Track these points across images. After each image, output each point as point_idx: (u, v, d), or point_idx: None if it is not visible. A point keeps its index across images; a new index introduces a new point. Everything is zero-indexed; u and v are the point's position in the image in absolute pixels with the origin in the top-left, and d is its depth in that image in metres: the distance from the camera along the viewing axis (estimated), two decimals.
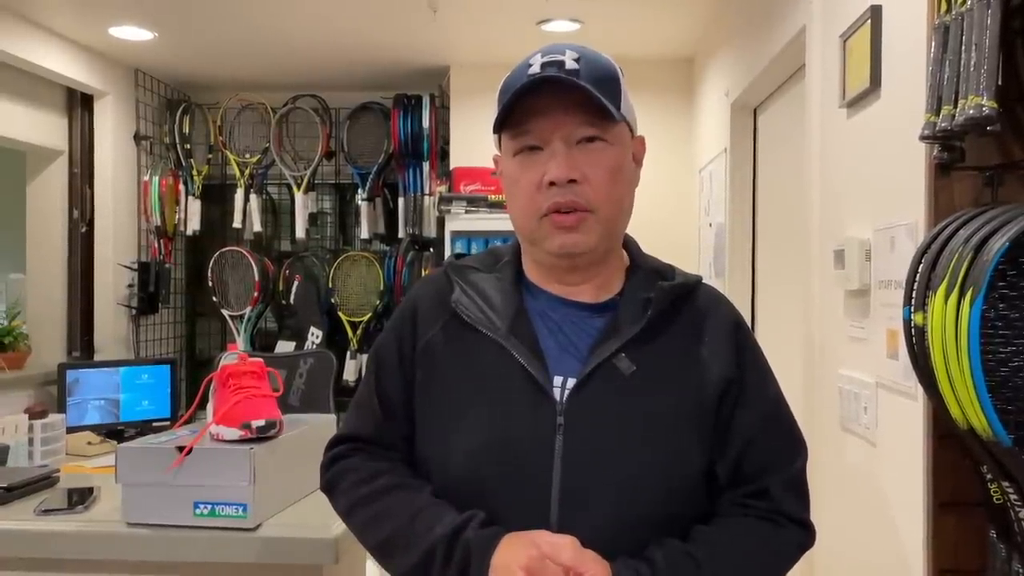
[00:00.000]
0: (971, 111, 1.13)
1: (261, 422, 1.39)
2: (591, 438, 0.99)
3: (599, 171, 1.00)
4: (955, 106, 1.18)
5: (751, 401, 1.06)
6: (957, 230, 1.16)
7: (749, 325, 1.14)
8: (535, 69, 1.00)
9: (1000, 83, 1.14)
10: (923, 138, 1.27)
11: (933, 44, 1.27)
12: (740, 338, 1.08)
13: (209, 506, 1.36)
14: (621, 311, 1.05)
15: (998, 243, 1.07)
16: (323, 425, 1.64)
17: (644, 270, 1.10)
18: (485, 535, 0.96)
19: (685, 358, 1.04)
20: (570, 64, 0.99)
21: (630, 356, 1.01)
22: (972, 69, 1.15)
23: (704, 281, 1.13)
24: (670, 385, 1.02)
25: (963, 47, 1.18)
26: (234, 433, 1.38)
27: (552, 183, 0.99)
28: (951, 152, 1.27)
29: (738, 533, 1.02)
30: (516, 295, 1.07)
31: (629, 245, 1.14)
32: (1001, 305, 1.11)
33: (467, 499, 1.00)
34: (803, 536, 1.07)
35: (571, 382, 1.01)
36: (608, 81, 1.01)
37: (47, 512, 1.46)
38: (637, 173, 1.09)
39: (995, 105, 1.12)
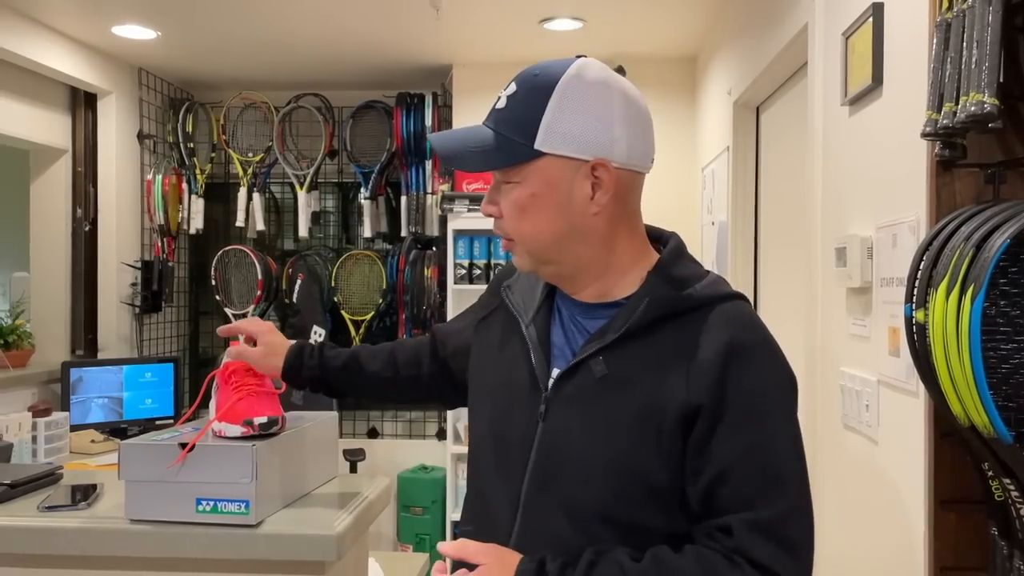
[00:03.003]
0: (973, 108, 1.13)
1: (263, 419, 1.39)
2: (561, 429, 1.06)
3: (507, 208, 1.08)
4: (957, 103, 1.18)
5: (729, 433, 0.99)
6: (959, 227, 1.17)
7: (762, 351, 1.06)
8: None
9: (1001, 80, 1.14)
10: (925, 135, 1.27)
11: (935, 41, 1.27)
12: (731, 364, 1.00)
13: (211, 503, 1.36)
14: (616, 315, 1.06)
15: (999, 240, 1.07)
16: (325, 422, 1.64)
17: (663, 278, 1.07)
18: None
19: (657, 372, 1.02)
20: (500, 103, 1.07)
21: (606, 360, 1.04)
22: (974, 66, 1.15)
23: (736, 302, 1.07)
24: (632, 395, 1.02)
25: (965, 44, 1.18)
26: (236, 430, 1.38)
27: None
28: (953, 149, 1.27)
29: (686, 560, 0.98)
30: (548, 288, 1.15)
31: (666, 248, 1.12)
32: (1002, 302, 1.11)
33: (476, 469, 1.17)
34: None
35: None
36: (525, 120, 1.03)
37: (50, 509, 1.46)
38: (598, 197, 1.04)
39: (996, 102, 1.12)
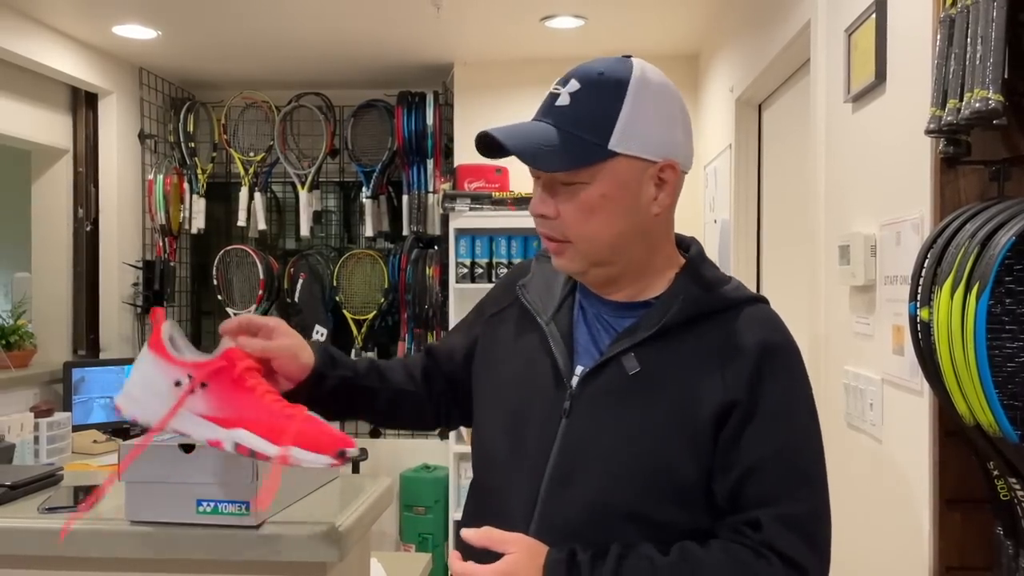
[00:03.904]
0: (977, 104, 1.12)
1: (355, 450, 1.11)
2: (588, 425, 1.04)
3: (571, 208, 1.04)
4: (961, 100, 1.17)
5: (761, 430, 1.01)
6: (963, 224, 1.16)
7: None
8: (546, 100, 1.05)
9: (1006, 76, 1.13)
10: (929, 132, 1.26)
11: (939, 37, 1.26)
12: (764, 364, 1.03)
13: (212, 504, 1.36)
14: (647, 314, 1.07)
15: (1005, 237, 1.06)
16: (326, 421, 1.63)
17: (692, 279, 1.09)
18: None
19: (691, 369, 1.03)
20: (562, 100, 1.03)
21: (638, 356, 1.04)
22: (978, 62, 1.14)
23: (762, 305, 1.11)
24: (667, 391, 1.03)
25: (969, 40, 1.17)
26: (321, 460, 1.08)
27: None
28: (957, 146, 1.26)
29: (713, 554, 0.99)
30: (568, 287, 1.14)
31: (691, 252, 1.15)
32: (1008, 300, 1.10)
33: (486, 464, 1.16)
34: None
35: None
36: (598, 119, 1.01)
37: (50, 510, 1.46)
38: (661, 197, 1.06)
39: (1001, 98, 1.11)
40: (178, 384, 1.05)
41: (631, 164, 1.03)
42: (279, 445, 1.04)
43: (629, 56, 1.06)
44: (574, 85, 1.03)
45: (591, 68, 1.04)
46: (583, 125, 1.01)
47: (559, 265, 1.09)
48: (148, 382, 1.05)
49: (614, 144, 1.01)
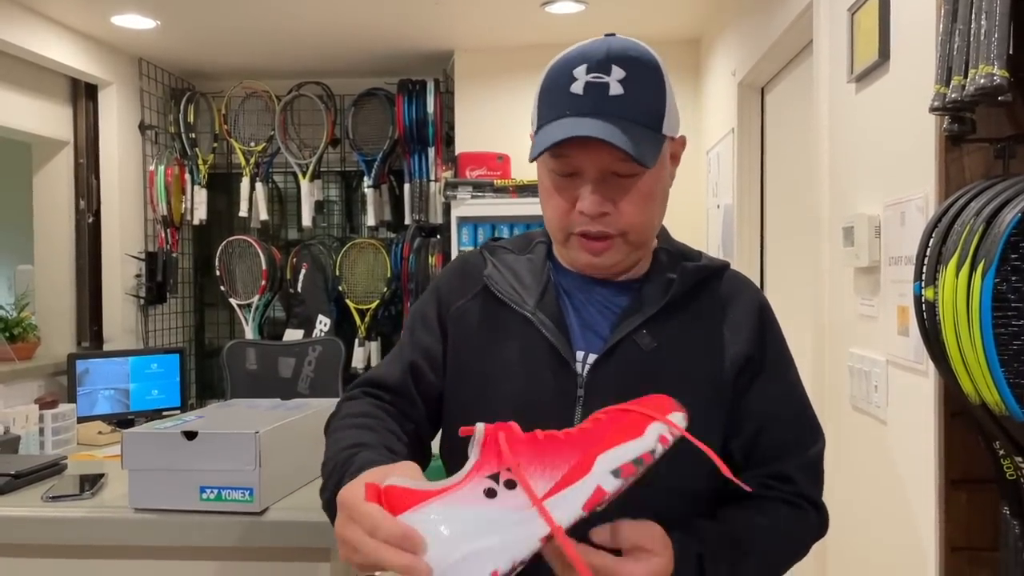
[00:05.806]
0: (982, 81, 1.10)
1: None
2: None
3: (631, 200, 0.99)
4: (965, 76, 1.16)
5: (770, 382, 1.05)
6: (968, 203, 1.15)
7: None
8: (577, 88, 0.96)
9: (1011, 52, 1.12)
10: (933, 110, 1.25)
11: (943, 13, 1.24)
12: (763, 319, 1.08)
13: (215, 491, 1.36)
14: (645, 290, 1.06)
15: (1010, 215, 1.05)
16: (329, 409, 1.63)
17: (670, 253, 1.10)
18: (360, 462, 0.90)
19: (706, 336, 1.05)
20: (615, 89, 0.95)
21: (651, 333, 1.03)
22: (983, 38, 1.13)
23: (733, 268, 1.14)
24: (690, 361, 1.03)
25: (973, 15, 1.16)
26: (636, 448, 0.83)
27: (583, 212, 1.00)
28: (961, 124, 1.24)
29: (772, 516, 1.01)
30: (545, 273, 1.10)
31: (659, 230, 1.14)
32: (1013, 278, 1.09)
33: None
34: (820, 522, 1.06)
35: (592, 357, 1.03)
36: (653, 107, 0.98)
37: (55, 498, 1.46)
38: (673, 172, 1.07)
39: (1006, 74, 1.10)
40: (492, 494, 0.78)
41: (667, 144, 1.02)
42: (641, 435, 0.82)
43: (613, 34, 1.02)
44: (619, 72, 0.96)
45: (623, 50, 0.98)
46: (646, 114, 0.97)
47: (599, 263, 1.03)
48: (468, 530, 0.75)
49: (665, 129, 0.99)
